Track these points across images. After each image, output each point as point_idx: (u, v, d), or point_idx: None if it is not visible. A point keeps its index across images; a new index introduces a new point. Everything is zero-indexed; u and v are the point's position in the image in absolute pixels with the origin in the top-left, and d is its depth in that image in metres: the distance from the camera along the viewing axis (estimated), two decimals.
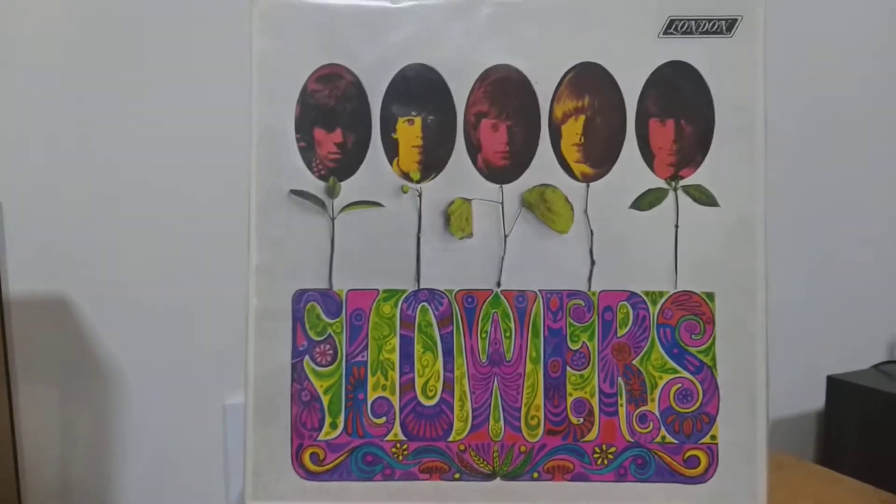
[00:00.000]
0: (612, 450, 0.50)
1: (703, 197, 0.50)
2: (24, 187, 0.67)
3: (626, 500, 0.50)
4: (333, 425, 0.50)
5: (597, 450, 0.50)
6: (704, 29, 0.50)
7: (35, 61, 0.67)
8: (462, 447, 0.50)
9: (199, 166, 0.71)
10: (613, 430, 0.50)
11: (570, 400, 0.50)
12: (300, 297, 0.50)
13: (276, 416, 0.50)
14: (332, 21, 0.50)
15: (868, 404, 0.88)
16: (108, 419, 0.72)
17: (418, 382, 0.50)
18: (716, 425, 0.50)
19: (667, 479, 0.50)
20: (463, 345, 0.50)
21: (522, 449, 0.50)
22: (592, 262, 0.50)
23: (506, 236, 0.50)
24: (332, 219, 0.50)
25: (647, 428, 0.50)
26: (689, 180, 0.50)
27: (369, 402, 0.50)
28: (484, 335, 0.50)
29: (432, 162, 0.50)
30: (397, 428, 0.50)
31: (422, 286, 0.50)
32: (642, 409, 0.50)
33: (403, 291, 0.50)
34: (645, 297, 0.50)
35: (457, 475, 0.50)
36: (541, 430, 0.50)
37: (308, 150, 0.50)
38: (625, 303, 0.50)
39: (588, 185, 0.50)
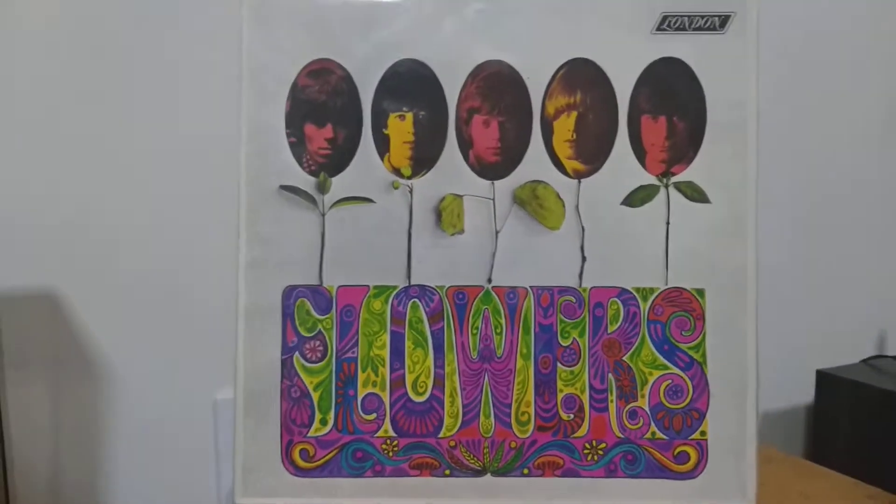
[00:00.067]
0: (603, 446, 0.50)
1: (695, 194, 0.50)
2: (11, 181, 0.67)
3: (616, 495, 0.50)
4: (323, 421, 0.50)
5: (587, 446, 0.50)
6: (697, 25, 0.50)
7: (26, 56, 0.66)
8: (452, 443, 0.50)
9: (189, 162, 0.71)
10: (604, 427, 0.50)
11: (560, 396, 0.50)
12: (290, 293, 0.50)
13: (265, 413, 0.50)
14: (323, 16, 0.49)
15: (857, 399, 0.88)
16: (98, 414, 0.71)
17: (409, 379, 0.50)
18: (705, 421, 0.50)
19: (656, 475, 0.50)
20: (454, 341, 0.50)
21: (513, 445, 0.50)
22: (583, 259, 0.50)
23: (497, 232, 0.50)
24: (323, 215, 0.50)
25: (637, 424, 0.50)
26: (681, 177, 0.50)
27: (359, 399, 0.50)
28: (475, 331, 0.50)
29: (424, 158, 0.50)
30: (387, 424, 0.50)
31: (413, 282, 0.50)
32: (632, 405, 0.50)
33: (394, 288, 0.50)
34: (636, 294, 0.50)
35: (447, 471, 0.50)
36: (531, 427, 0.50)
37: (298, 145, 0.50)
38: (615, 299, 0.50)
39: (580, 182, 0.50)
